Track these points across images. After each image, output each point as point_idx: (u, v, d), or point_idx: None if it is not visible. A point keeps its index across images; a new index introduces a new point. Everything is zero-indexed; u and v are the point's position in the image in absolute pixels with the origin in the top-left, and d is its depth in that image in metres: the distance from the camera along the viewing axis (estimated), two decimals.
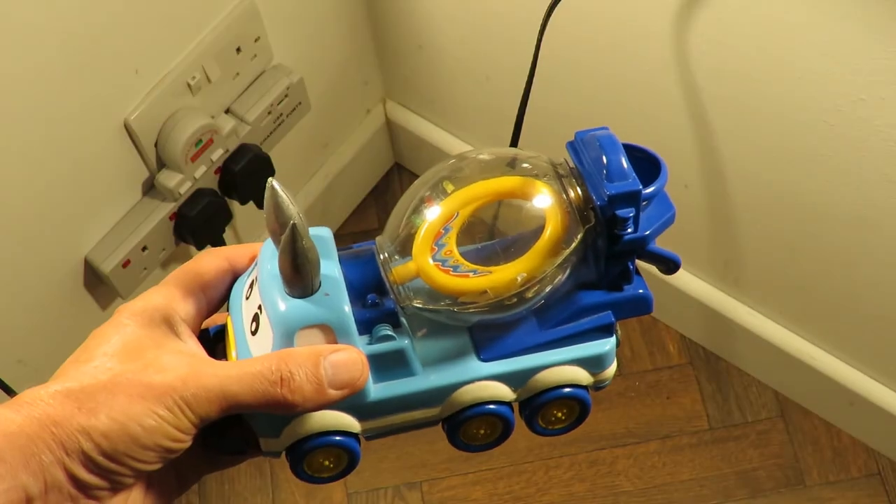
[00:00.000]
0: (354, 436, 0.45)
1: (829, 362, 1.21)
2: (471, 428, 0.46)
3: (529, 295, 0.44)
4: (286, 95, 1.07)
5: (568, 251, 0.44)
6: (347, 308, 0.42)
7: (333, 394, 0.42)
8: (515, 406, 0.47)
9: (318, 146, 1.30)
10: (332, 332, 0.42)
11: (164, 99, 0.94)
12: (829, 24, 0.81)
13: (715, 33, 0.90)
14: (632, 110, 1.05)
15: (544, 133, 1.06)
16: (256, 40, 1.01)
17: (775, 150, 0.97)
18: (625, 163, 0.43)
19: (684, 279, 1.25)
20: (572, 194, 0.44)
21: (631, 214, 0.43)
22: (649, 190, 0.44)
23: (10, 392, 0.93)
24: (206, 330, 0.47)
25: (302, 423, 0.44)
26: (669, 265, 0.47)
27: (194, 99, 0.97)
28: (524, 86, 0.89)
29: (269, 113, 1.06)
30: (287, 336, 0.42)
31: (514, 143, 0.89)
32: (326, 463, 0.45)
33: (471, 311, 0.44)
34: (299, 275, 0.41)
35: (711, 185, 1.07)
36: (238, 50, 1.00)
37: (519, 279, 0.43)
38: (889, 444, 1.27)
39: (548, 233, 0.44)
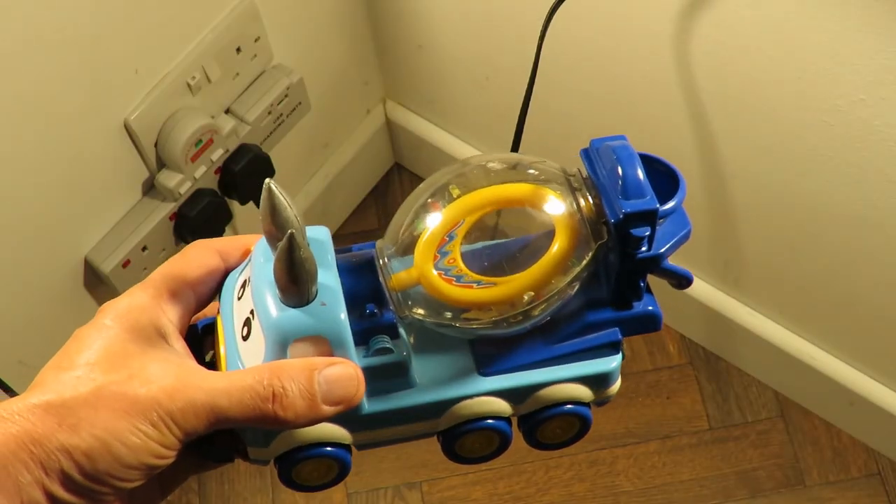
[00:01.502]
0: (346, 447, 0.43)
1: (829, 362, 1.21)
2: (467, 441, 0.45)
3: (536, 312, 0.42)
4: (286, 95, 1.07)
5: (578, 268, 0.41)
6: (344, 319, 0.40)
7: (327, 410, 0.40)
8: (514, 418, 0.45)
9: (318, 146, 1.30)
10: (327, 344, 0.40)
11: (164, 99, 0.94)
12: (828, 24, 0.81)
13: (716, 34, 0.90)
14: (632, 110, 1.05)
15: (545, 133, 1.06)
16: (256, 40, 1.01)
17: (775, 150, 0.97)
18: (642, 177, 0.40)
19: None
20: (585, 208, 0.41)
21: (646, 234, 0.40)
22: (667, 207, 0.42)
23: (11, 392, 0.93)
24: (195, 325, 0.45)
25: (292, 433, 0.42)
26: (682, 281, 0.45)
27: (194, 99, 0.97)
28: (525, 86, 0.88)
29: (269, 113, 1.06)
30: (280, 347, 0.40)
31: (515, 143, 0.88)
32: (316, 473, 0.44)
33: (473, 326, 0.42)
34: (295, 285, 0.39)
35: (711, 185, 1.07)
36: (238, 50, 0.99)
37: (525, 297, 0.41)
38: (889, 444, 1.27)
39: (556, 248, 0.41)
